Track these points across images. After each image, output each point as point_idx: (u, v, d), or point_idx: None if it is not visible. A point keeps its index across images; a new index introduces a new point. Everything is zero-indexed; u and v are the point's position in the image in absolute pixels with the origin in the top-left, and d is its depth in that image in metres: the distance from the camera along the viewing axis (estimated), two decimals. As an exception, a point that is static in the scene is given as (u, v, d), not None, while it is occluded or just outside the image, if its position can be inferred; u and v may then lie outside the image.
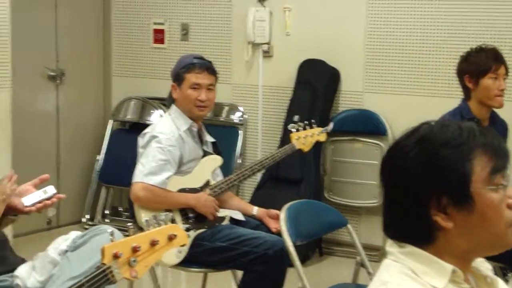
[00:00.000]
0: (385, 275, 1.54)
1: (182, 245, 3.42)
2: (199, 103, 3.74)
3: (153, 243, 2.21)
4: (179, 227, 2.31)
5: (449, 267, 1.53)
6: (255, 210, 3.89)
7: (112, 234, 2.22)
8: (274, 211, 3.76)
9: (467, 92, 3.79)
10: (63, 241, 2.84)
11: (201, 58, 3.86)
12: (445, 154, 1.52)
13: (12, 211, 2.88)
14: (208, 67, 3.80)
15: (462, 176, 1.51)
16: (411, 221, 1.57)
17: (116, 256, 2.15)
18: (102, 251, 2.16)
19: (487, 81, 3.73)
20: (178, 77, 3.77)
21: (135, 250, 2.18)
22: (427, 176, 1.53)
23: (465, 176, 1.51)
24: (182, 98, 3.75)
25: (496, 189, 1.53)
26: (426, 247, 1.55)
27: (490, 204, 1.52)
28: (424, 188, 1.53)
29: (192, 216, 3.64)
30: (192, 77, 3.74)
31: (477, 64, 3.75)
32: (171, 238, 2.26)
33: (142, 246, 2.19)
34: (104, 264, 2.16)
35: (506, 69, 3.78)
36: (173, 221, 3.54)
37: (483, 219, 1.52)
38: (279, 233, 3.42)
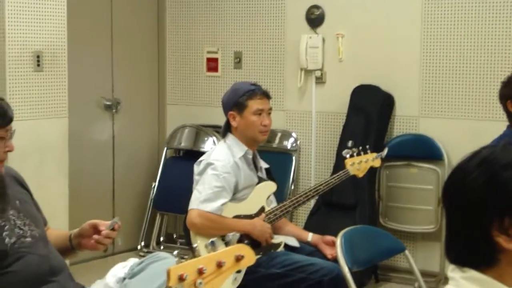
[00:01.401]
0: None
1: (238, 271, 3.45)
2: (263, 129, 3.80)
3: (220, 265, 2.16)
4: (247, 247, 2.24)
5: None
6: (310, 236, 3.89)
7: (177, 257, 2.21)
8: (329, 237, 3.75)
9: (511, 118, 3.73)
10: (121, 268, 2.87)
11: (256, 84, 3.93)
12: (507, 175, 1.52)
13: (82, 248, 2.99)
14: (266, 93, 3.89)
15: None
16: (472, 243, 1.56)
17: (181, 279, 2.10)
18: (168, 273, 2.11)
19: None
20: (239, 105, 3.81)
21: (201, 272, 2.13)
22: (489, 197, 1.53)
23: None
24: (245, 125, 3.80)
25: None
26: (488, 271, 1.54)
27: None
28: (486, 209, 1.53)
29: (247, 243, 3.61)
30: (255, 104, 3.81)
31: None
32: (238, 259, 2.20)
33: (208, 267, 2.14)
34: (169, 287, 2.12)
35: None
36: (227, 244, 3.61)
37: None
38: (334, 260, 3.42)
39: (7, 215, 2.72)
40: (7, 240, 2.69)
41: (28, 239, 2.76)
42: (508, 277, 1.53)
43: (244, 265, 2.23)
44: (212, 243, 3.59)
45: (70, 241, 2.98)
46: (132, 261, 2.89)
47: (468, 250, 1.57)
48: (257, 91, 3.84)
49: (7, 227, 2.70)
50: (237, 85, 4.00)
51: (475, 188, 1.54)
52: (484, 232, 1.53)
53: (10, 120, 2.73)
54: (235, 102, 3.81)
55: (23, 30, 4.63)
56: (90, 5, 5.56)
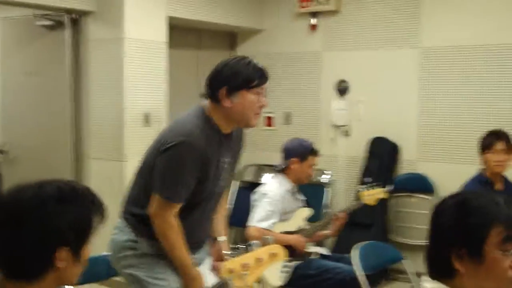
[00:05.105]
0: None
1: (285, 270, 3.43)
2: (310, 177, 3.85)
3: (259, 260, 2.16)
4: (279, 246, 2.20)
5: None
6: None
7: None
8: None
9: (483, 162, 3.76)
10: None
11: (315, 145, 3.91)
12: (472, 220, 1.49)
13: None
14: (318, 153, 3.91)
15: (480, 238, 1.48)
16: (438, 260, 1.56)
17: (230, 271, 2.13)
18: (221, 268, 2.15)
19: (488, 155, 3.69)
20: (302, 156, 3.80)
21: (244, 266, 2.14)
22: (455, 231, 1.51)
23: (482, 238, 1.48)
24: (300, 171, 3.81)
25: (505, 253, 1.49)
26: (449, 282, 1.53)
27: (497, 264, 1.49)
28: (451, 238, 1.52)
29: (289, 252, 3.64)
30: (314, 160, 3.84)
31: (481, 142, 3.73)
32: (273, 255, 2.18)
33: (250, 262, 2.15)
34: (222, 277, 2.16)
35: (507, 144, 3.70)
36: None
37: (489, 273, 1.49)
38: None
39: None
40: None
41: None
42: (468, 285, 1.51)
43: (279, 259, 2.19)
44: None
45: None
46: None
47: (436, 265, 1.57)
48: (317, 152, 3.86)
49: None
50: (303, 141, 3.90)
51: (448, 221, 1.52)
52: (447, 253, 1.52)
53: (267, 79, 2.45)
54: (302, 153, 3.80)
55: (136, 96, 4.61)
56: (182, 77, 5.52)
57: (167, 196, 2.38)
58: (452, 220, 1.52)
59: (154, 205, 2.40)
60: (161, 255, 2.46)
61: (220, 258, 2.59)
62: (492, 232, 1.48)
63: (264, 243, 2.25)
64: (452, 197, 1.57)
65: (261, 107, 2.43)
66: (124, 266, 2.52)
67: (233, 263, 2.13)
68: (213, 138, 2.41)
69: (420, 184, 5.01)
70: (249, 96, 2.39)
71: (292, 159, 3.81)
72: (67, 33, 4.77)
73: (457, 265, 1.50)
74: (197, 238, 2.55)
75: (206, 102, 2.46)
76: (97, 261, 2.69)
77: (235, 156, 2.60)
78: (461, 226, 1.50)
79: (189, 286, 2.46)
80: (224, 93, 2.39)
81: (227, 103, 2.39)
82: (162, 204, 2.39)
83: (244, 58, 2.45)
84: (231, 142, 2.53)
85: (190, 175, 2.37)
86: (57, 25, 4.85)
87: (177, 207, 2.40)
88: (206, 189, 2.44)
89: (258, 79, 2.40)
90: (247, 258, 2.14)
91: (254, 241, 3.40)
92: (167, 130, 2.46)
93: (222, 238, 2.71)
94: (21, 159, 5.19)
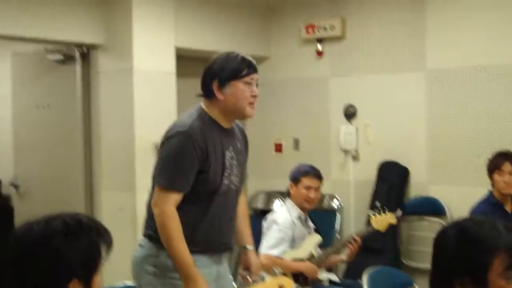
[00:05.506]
0: None
1: None
2: (309, 200, 3.80)
3: None
4: (287, 278, 2.25)
5: None
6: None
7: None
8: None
9: (492, 184, 3.77)
10: None
11: (314, 168, 3.91)
12: (474, 249, 1.51)
13: None
14: (318, 175, 3.85)
15: (483, 267, 1.49)
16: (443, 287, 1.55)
17: None
18: None
19: (495, 176, 3.71)
20: (295, 179, 3.84)
21: None
22: (458, 260, 1.52)
23: (485, 267, 1.49)
24: (297, 195, 3.82)
25: (508, 281, 1.50)
26: None
27: None
28: (454, 267, 1.53)
29: (301, 278, 3.66)
30: (307, 181, 3.81)
31: (489, 163, 3.74)
32: (280, 287, 2.24)
33: None
34: None
35: None
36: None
37: None
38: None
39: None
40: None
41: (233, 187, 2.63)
42: None
43: None
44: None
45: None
46: None
47: None
48: (311, 173, 3.82)
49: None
50: (300, 165, 3.95)
51: (450, 251, 1.54)
52: (450, 281, 1.52)
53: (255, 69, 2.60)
54: (295, 177, 3.85)
55: (146, 127, 4.60)
56: (190, 105, 5.60)
57: (165, 184, 2.48)
58: (454, 250, 1.53)
59: (154, 195, 2.51)
60: None
61: (248, 267, 2.70)
62: (495, 261, 1.50)
63: (272, 274, 2.27)
64: (452, 226, 1.59)
65: (254, 96, 2.57)
66: (145, 285, 2.57)
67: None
68: (212, 130, 2.55)
69: (431, 207, 4.98)
70: (240, 86, 2.54)
71: (290, 183, 3.87)
72: (77, 67, 4.87)
73: None
74: (218, 239, 2.60)
75: (202, 101, 2.62)
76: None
77: (243, 154, 2.70)
78: (464, 255, 1.51)
79: (187, 287, 2.45)
80: (216, 86, 2.55)
81: (220, 95, 2.54)
82: (161, 193, 2.48)
83: (232, 52, 2.61)
84: (234, 138, 2.66)
85: (189, 164, 2.46)
86: (68, 59, 4.95)
87: (176, 197, 2.48)
88: (214, 181, 2.52)
89: (246, 69, 2.55)
90: None
91: (265, 273, 3.45)
92: (168, 128, 2.59)
93: (250, 247, 2.79)
94: (32, 192, 5.25)
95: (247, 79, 2.55)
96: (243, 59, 2.57)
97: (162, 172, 2.51)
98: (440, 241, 1.58)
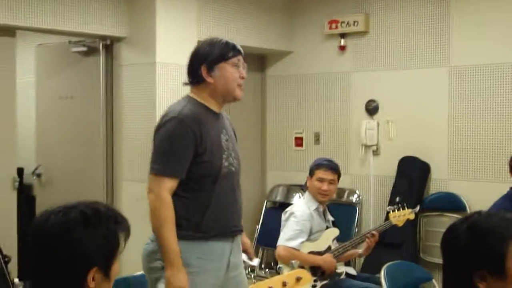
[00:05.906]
0: None
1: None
2: (321, 192, 3.81)
3: (284, 284, 2.14)
4: (305, 271, 2.20)
5: None
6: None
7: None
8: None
9: None
10: None
11: (330, 160, 3.91)
12: (487, 241, 1.51)
13: None
14: (332, 167, 3.83)
15: (499, 256, 1.50)
16: (459, 285, 1.56)
17: None
18: None
19: None
20: (310, 172, 3.86)
21: None
22: (473, 254, 1.52)
23: (501, 257, 1.50)
24: (311, 187, 3.85)
25: None
26: None
27: None
28: (469, 262, 1.53)
29: (319, 272, 3.68)
30: (320, 173, 3.82)
31: (510, 160, 3.71)
32: (298, 279, 2.16)
33: (275, 286, 2.13)
34: None
35: None
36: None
37: None
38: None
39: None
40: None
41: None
42: None
43: (303, 283, 2.18)
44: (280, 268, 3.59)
45: None
46: None
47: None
48: (324, 165, 3.83)
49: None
50: (318, 158, 4.01)
51: (464, 247, 1.53)
52: (467, 277, 1.52)
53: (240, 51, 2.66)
54: (310, 169, 3.87)
55: None
56: None
57: (158, 169, 2.50)
58: (467, 246, 1.53)
59: (148, 182, 2.54)
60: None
61: (245, 249, 2.77)
62: (510, 248, 1.50)
63: (290, 267, 2.28)
64: (461, 222, 1.58)
65: (242, 78, 2.63)
66: (154, 279, 2.59)
67: (260, 286, 2.13)
68: (204, 115, 2.58)
69: (451, 203, 4.97)
70: (228, 68, 2.59)
71: (307, 176, 3.89)
72: (101, 59, 4.93)
73: (481, 286, 1.51)
74: (227, 222, 2.61)
75: (190, 90, 2.65)
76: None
77: (234, 141, 2.73)
78: (478, 249, 1.51)
79: (170, 278, 2.46)
80: (205, 70, 2.58)
81: (209, 79, 2.58)
82: (155, 179, 2.51)
83: (215, 37, 2.69)
84: (225, 123, 2.70)
85: (182, 149, 2.49)
86: (91, 51, 5.02)
87: (171, 183, 2.50)
88: (214, 163, 2.54)
89: (232, 51, 2.61)
90: (273, 281, 2.15)
91: (282, 265, 3.46)
92: (160, 116, 2.63)
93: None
94: (54, 182, 5.33)
95: (234, 60, 2.61)
96: (227, 42, 2.63)
97: (156, 158, 2.53)
98: (450, 238, 1.57)
